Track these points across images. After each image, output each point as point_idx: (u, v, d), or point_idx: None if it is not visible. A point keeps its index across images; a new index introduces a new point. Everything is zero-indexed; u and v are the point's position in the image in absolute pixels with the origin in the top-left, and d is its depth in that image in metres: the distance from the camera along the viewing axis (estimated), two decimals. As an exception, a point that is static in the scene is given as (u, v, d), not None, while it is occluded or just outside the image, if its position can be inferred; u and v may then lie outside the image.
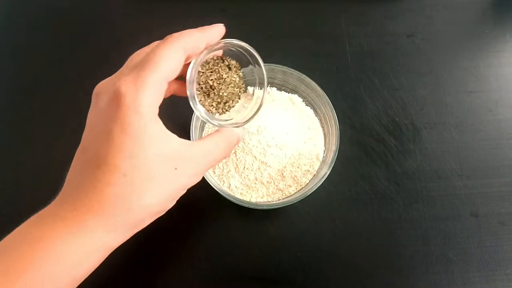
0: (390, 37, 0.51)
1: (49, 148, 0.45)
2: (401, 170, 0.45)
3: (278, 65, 0.42)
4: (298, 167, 0.41)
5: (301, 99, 0.45)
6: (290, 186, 0.40)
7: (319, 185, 0.38)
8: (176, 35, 0.28)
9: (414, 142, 0.46)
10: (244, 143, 0.40)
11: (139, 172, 0.25)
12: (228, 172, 0.40)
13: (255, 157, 0.40)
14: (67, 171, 0.27)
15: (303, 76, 0.42)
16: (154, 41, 0.30)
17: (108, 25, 0.52)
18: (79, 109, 0.48)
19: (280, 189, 0.40)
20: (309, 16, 0.53)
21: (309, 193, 0.38)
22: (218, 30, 0.30)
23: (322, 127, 0.44)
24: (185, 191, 0.28)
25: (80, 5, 0.54)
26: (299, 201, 0.38)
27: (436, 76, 0.49)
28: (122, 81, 0.25)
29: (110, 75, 0.28)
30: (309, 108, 0.44)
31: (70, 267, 0.24)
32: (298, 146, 0.41)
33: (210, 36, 0.29)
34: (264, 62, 0.43)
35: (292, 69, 0.42)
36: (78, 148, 0.27)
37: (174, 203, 0.28)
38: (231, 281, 0.40)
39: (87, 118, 0.28)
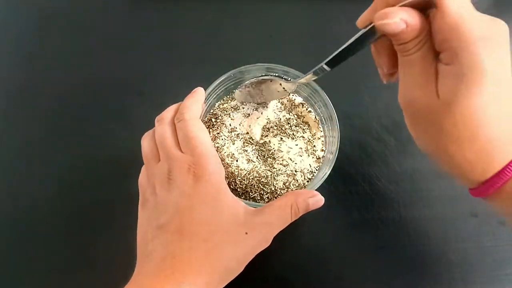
0: (390, 37, 0.51)
1: (50, 148, 0.46)
2: (401, 170, 0.45)
3: (278, 65, 0.42)
4: (298, 167, 0.41)
5: (301, 99, 0.45)
6: (290, 186, 0.40)
7: (319, 185, 0.38)
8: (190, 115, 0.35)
9: (414, 142, 0.46)
10: (245, 143, 0.41)
11: (216, 236, 0.29)
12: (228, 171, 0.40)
13: (255, 156, 0.40)
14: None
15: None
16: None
17: (109, 24, 0.53)
18: (78, 108, 0.48)
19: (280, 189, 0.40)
20: (309, 16, 0.53)
21: (309, 193, 0.38)
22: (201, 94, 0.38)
23: (322, 127, 0.44)
24: (254, 255, 0.31)
25: (83, 5, 0.54)
26: (299, 201, 0.38)
27: (436, 76, 0.49)
28: (190, 164, 0.31)
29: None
30: (309, 108, 0.44)
31: None
32: (298, 146, 0.41)
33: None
34: (264, 62, 0.43)
35: (292, 69, 0.42)
36: (143, 222, 0.32)
37: (243, 268, 0.31)
38: (231, 281, 0.40)
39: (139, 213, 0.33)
